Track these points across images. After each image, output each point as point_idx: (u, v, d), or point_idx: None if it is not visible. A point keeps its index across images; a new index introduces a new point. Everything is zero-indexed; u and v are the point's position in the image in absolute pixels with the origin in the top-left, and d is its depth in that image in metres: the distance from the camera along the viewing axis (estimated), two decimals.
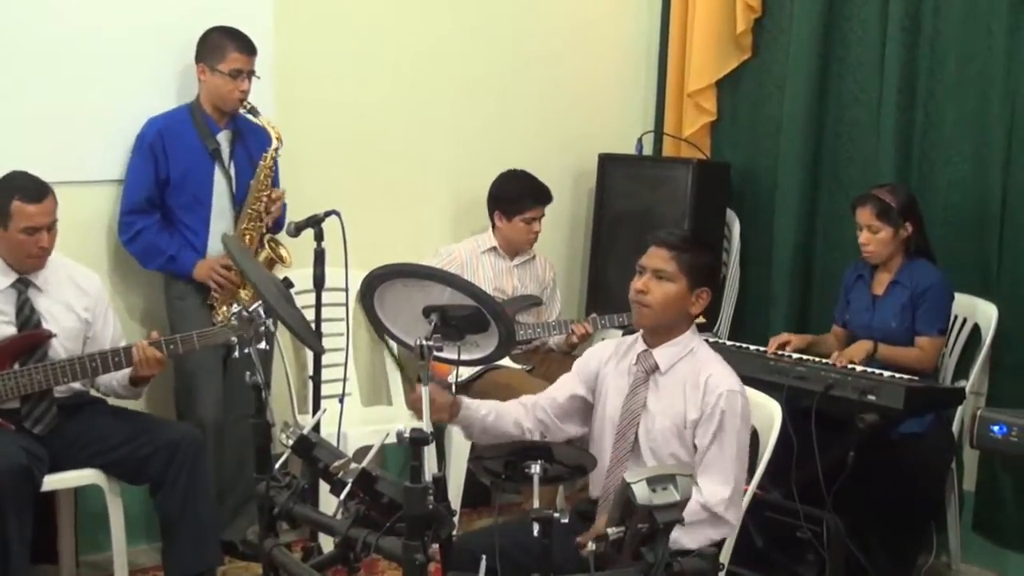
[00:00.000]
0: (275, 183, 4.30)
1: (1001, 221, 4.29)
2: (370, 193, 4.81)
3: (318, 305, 3.86)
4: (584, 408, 3.28)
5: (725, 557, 3.04)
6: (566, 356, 4.80)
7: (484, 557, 2.49)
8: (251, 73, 4.15)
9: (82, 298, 3.80)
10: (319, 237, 3.85)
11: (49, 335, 3.68)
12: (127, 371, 3.70)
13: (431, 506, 2.40)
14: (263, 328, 2.90)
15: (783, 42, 5.10)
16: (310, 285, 3.87)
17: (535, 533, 2.39)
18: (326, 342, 3.91)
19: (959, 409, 4.17)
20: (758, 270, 5.22)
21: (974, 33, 4.38)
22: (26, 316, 3.68)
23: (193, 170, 4.16)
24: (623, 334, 4.06)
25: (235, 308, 3.15)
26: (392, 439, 2.58)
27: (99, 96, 4.17)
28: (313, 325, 3.75)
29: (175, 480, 3.72)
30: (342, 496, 2.54)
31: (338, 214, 3.80)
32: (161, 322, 4.28)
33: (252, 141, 4.22)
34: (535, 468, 2.54)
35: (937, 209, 4.48)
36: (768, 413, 3.25)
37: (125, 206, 4.17)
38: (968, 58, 4.40)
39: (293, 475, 2.77)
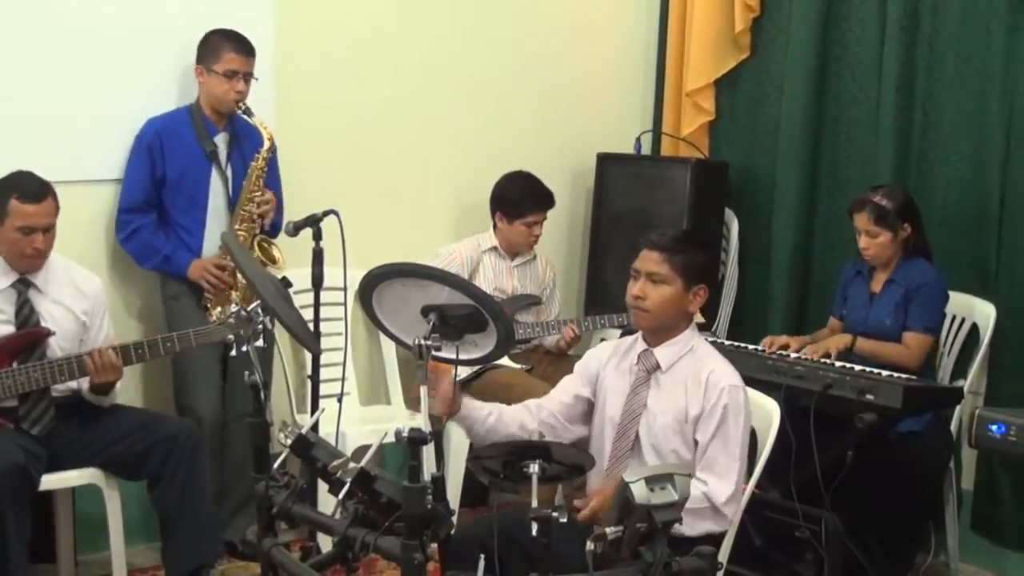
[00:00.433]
0: (275, 183, 4.31)
1: (999, 220, 4.29)
2: (369, 192, 4.81)
3: (316, 304, 3.86)
4: (588, 409, 3.29)
5: (724, 556, 3.04)
6: (564, 356, 4.81)
7: (482, 556, 2.49)
8: (248, 75, 4.16)
9: (81, 301, 3.81)
10: (317, 236, 3.85)
11: (48, 333, 3.68)
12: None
13: (430, 505, 2.40)
14: (260, 326, 2.90)
15: (781, 41, 5.10)
16: (308, 284, 3.87)
17: (534, 533, 2.39)
18: (324, 341, 3.91)
19: (957, 408, 4.17)
20: (757, 269, 5.22)
21: (972, 33, 4.38)
22: (25, 316, 3.68)
23: (190, 171, 4.17)
24: (621, 334, 4.07)
25: (233, 308, 3.15)
26: (391, 438, 2.58)
27: (99, 96, 4.18)
28: (312, 324, 3.75)
29: (173, 475, 3.73)
30: (340, 495, 2.54)
31: (337, 214, 3.80)
32: (158, 321, 4.29)
33: (248, 144, 4.23)
34: (533, 467, 2.55)
35: (935, 208, 4.48)
36: (766, 412, 3.26)
37: (122, 205, 4.18)
38: (966, 58, 4.41)
39: (292, 474, 2.77)
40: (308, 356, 4.05)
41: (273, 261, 4.21)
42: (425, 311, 2.76)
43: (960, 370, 4.33)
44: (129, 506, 3.96)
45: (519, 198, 4.79)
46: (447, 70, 5.05)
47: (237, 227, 4.18)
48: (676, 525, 2.41)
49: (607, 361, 3.28)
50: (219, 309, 4.14)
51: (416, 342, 2.66)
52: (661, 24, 5.57)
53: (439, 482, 2.66)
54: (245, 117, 4.16)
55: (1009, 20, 4.24)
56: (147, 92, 4.24)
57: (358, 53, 4.81)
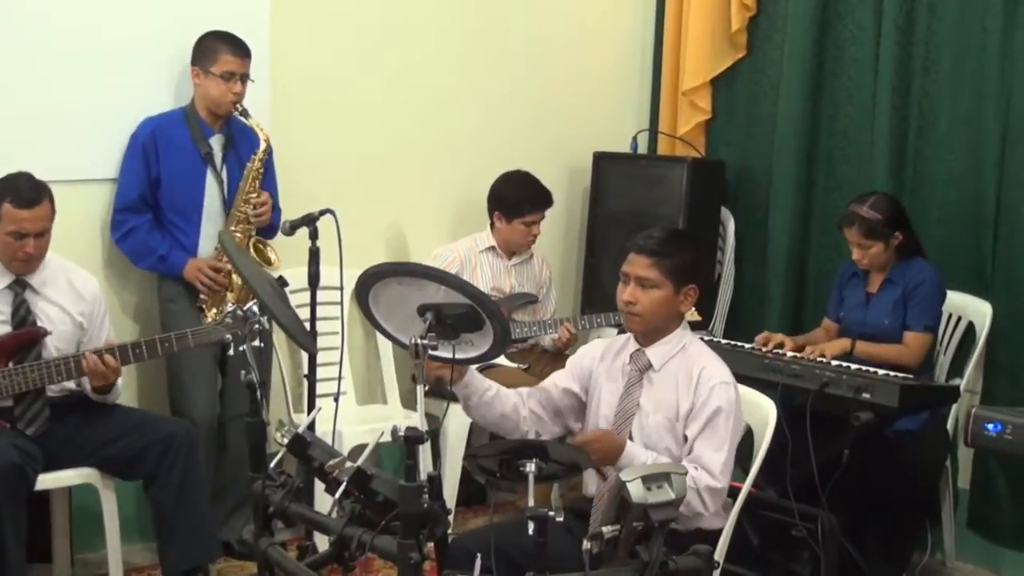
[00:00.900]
0: (271, 185, 4.30)
1: (995, 219, 4.29)
2: (365, 192, 4.81)
3: (313, 304, 3.87)
4: (578, 405, 3.29)
5: (720, 555, 3.04)
6: (561, 355, 4.81)
7: (479, 556, 2.49)
8: (245, 76, 4.15)
9: (79, 302, 3.81)
10: (314, 236, 3.85)
11: (43, 333, 3.68)
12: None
13: (426, 505, 2.40)
14: (257, 326, 2.90)
15: (778, 40, 5.11)
16: (305, 284, 3.87)
17: (530, 531, 2.39)
18: (321, 340, 3.91)
19: (954, 407, 4.17)
20: (753, 268, 5.22)
21: (968, 31, 4.38)
22: (22, 317, 3.68)
23: (184, 172, 4.17)
24: (618, 332, 4.07)
25: (229, 307, 3.15)
26: (387, 438, 2.58)
27: (96, 96, 4.18)
28: (308, 324, 3.75)
29: (168, 475, 3.73)
30: (337, 495, 2.54)
31: (333, 213, 3.80)
32: (155, 321, 4.28)
33: (244, 145, 4.22)
34: (530, 466, 2.55)
35: (931, 207, 4.49)
36: (763, 411, 3.26)
37: (117, 204, 4.18)
38: (963, 56, 4.41)
39: (288, 474, 2.77)
40: (304, 355, 4.04)
41: (268, 263, 4.21)
42: (421, 310, 2.76)
43: (956, 369, 4.33)
44: (125, 505, 3.96)
45: (518, 198, 4.79)
46: (443, 70, 5.05)
47: (233, 228, 4.17)
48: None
49: (600, 359, 3.29)
50: (214, 311, 4.14)
51: (413, 341, 2.66)
52: (657, 23, 5.57)
53: (435, 481, 2.65)
54: (242, 119, 4.16)
55: (1005, 19, 4.24)
56: (144, 91, 4.24)
57: (354, 53, 4.81)
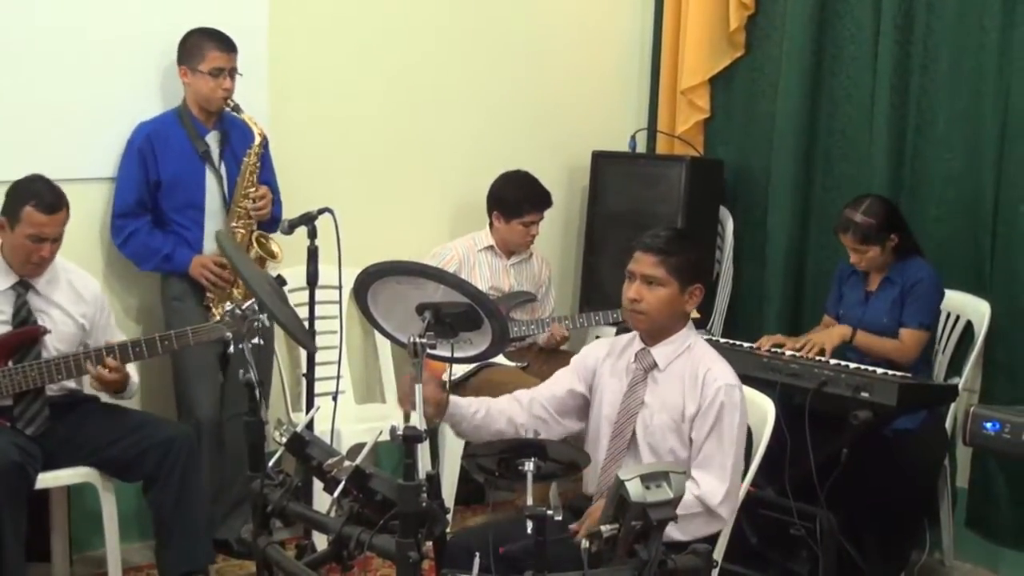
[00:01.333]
0: (270, 177, 4.30)
1: (994, 218, 4.29)
2: (364, 191, 4.81)
3: (311, 303, 3.86)
4: (582, 404, 3.29)
5: (719, 554, 3.04)
6: (559, 352, 4.81)
7: (478, 555, 2.49)
8: (233, 70, 4.15)
9: (79, 303, 3.81)
10: (312, 235, 3.85)
11: (43, 331, 3.68)
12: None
13: (425, 504, 2.40)
14: (257, 324, 2.90)
15: (776, 39, 5.11)
16: (303, 283, 3.87)
17: (529, 530, 2.39)
18: (319, 340, 3.91)
19: (952, 406, 4.17)
20: (752, 267, 5.22)
21: (967, 30, 4.38)
22: (23, 318, 3.68)
23: (184, 173, 4.17)
24: (617, 331, 4.07)
25: (229, 306, 3.15)
26: (386, 437, 2.58)
27: (93, 94, 4.18)
28: (306, 323, 3.75)
29: (168, 478, 3.73)
30: (336, 494, 2.53)
31: (331, 212, 3.80)
32: (157, 320, 4.28)
33: (239, 140, 4.22)
34: (529, 465, 2.54)
35: (930, 206, 4.49)
36: (762, 410, 3.26)
37: (116, 210, 4.18)
38: (961, 55, 4.41)
39: (287, 473, 2.77)
40: (303, 354, 4.04)
41: (272, 256, 4.21)
42: (420, 309, 2.76)
43: (955, 368, 4.33)
44: (124, 504, 3.96)
45: (517, 198, 4.79)
46: (442, 68, 5.05)
47: (234, 224, 4.18)
48: (669, 528, 2.41)
49: (604, 357, 3.28)
50: (221, 307, 4.12)
51: (411, 340, 2.66)
52: (656, 22, 5.57)
53: (434, 480, 2.66)
54: (234, 114, 4.16)
55: (1004, 17, 4.24)
56: (143, 90, 4.25)
57: (353, 52, 4.80)
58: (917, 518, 4.17)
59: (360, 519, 2.53)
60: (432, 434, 4.43)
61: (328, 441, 3.23)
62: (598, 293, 5.22)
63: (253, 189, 4.19)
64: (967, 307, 4.32)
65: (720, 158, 5.37)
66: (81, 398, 3.84)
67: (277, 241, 4.24)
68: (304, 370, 3.89)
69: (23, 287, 3.70)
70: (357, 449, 2.58)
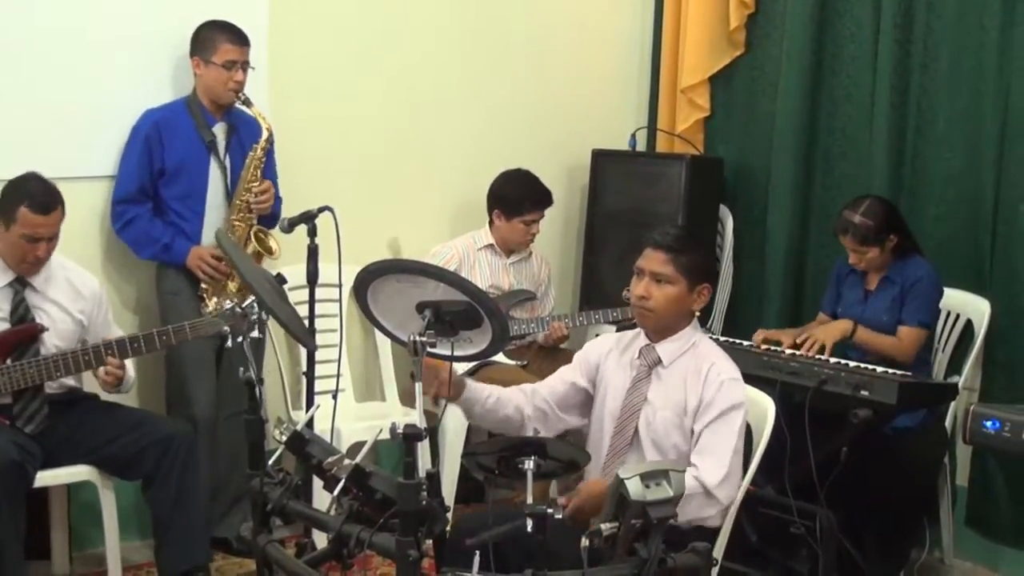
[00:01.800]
0: (271, 173, 4.31)
1: (994, 217, 4.29)
2: (364, 189, 4.81)
3: (311, 301, 3.87)
4: (584, 399, 3.30)
5: (719, 552, 3.04)
6: (559, 351, 4.82)
7: (477, 553, 2.49)
8: (245, 64, 4.16)
9: (78, 300, 3.81)
10: (312, 233, 3.86)
11: (41, 328, 3.68)
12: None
13: (425, 502, 2.40)
14: (255, 318, 2.90)
15: (776, 38, 5.11)
16: (303, 281, 3.87)
17: (529, 529, 2.40)
18: (319, 338, 3.91)
19: (952, 405, 4.17)
20: (751, 265, 5.22)
21: (967, 29, 4.38)
22: (20, 315, 3.68)
23: (189, 161, 4.17)
24: (617, 329, 4.07)
25: (228, 304, 3.14)
26: (386, 435, 2.58)
27: (95, 92, 4.18)
28: (306, 321, 3.75)
29: (167, 476, 3.73)
30: (335, 492, 2.54)
31: (331, 210, 3.80)
32: (154, 314, 4.28)
33: (246, 134, 4.23)
34: (529, 464, 2.55)
35: (930, 205, 4.49)
36: (762, 409, 3.26)
37: (116, 195, 4.18)
38: (961, 54, 4.41)
39: (287, 471, 2.77)
40: (303, 352, 4.04)
41: (270, 252, 4.22)
42: (420, 307, 2.76)
43: (955, 366, 4.33)
44: (124, 502, 3.96)
45: (518, 197, 4.79)
46: (443, 66, 5.05)
47: (234, 217, 4.18)
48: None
49: (608, 354, 3.29)
50: (215, 300, 4.13)
51: (411, 338, 2.66)
52: (656, 20, 5.57)
53: (434, 478, 2.66)
54: (244, 107, 4.16)
55: (1003, 17, 4.24)
56: (143, 88, 4.24)
57: (354, 51, 4.80)
58: (917, 516, 4.17)
59: (360, 517, 2.53)
60: (432, 433, 4.44)
61: (328, 439, 3.23)
62: (598, 291, 5.22)
63: (256, 183, 4.19)
64: (967, 306, 4.32)
65: (720, 157, 5.37)
66: (80, 396, 3.85)
67: (275, 237, 4.23)
68: (304, 368, 3.90)
69: (20, 284, 3.70)
70: (357, 447, 2.58)
